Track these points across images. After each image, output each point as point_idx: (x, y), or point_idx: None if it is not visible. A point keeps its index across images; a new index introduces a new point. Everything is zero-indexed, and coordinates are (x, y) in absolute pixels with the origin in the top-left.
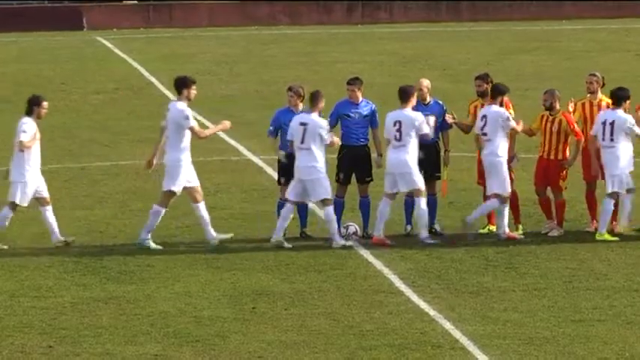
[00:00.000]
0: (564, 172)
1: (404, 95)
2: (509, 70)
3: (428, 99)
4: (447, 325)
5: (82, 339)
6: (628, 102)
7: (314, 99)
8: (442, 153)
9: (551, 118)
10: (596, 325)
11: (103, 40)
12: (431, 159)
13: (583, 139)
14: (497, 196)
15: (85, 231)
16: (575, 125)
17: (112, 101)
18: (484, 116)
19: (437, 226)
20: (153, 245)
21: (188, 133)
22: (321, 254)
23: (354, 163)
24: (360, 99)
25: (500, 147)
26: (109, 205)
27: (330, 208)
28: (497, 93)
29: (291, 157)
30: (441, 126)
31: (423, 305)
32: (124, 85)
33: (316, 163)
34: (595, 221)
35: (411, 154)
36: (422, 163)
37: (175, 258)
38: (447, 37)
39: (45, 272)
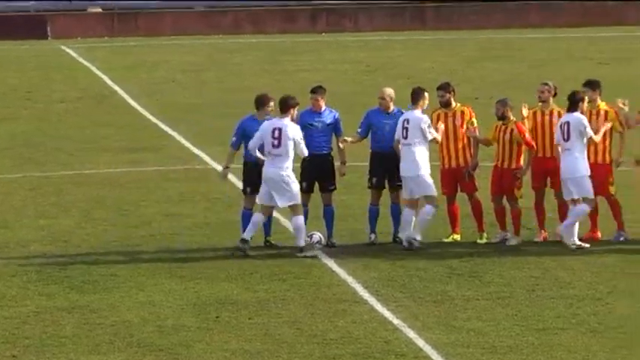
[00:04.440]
0: (519, 181)
1: (414, 96)
2: (474, 78)
3: (391, 108)
4: (411, 334)
5: (45, 348)
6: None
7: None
8: None
9: (504, 127)
10: (559, 334)
11: (68, 49)
12: (393, 168)
13: (535, 149)
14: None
15: (48, 240)
16: (527, 135)
17: (76, 110)
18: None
19: (401, 235)
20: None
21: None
22: (285, 263)
23: (318, 171)
24: (323, 107)
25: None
26: (72, 214)
27: (300, 217)
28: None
29: (254, 167)
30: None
31: (386, 314)
32: (89, 94)
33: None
34: (543, 231)
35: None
36: (384, 172)
37: (139, 267)
38: (411, 46)
39: (8, 282)
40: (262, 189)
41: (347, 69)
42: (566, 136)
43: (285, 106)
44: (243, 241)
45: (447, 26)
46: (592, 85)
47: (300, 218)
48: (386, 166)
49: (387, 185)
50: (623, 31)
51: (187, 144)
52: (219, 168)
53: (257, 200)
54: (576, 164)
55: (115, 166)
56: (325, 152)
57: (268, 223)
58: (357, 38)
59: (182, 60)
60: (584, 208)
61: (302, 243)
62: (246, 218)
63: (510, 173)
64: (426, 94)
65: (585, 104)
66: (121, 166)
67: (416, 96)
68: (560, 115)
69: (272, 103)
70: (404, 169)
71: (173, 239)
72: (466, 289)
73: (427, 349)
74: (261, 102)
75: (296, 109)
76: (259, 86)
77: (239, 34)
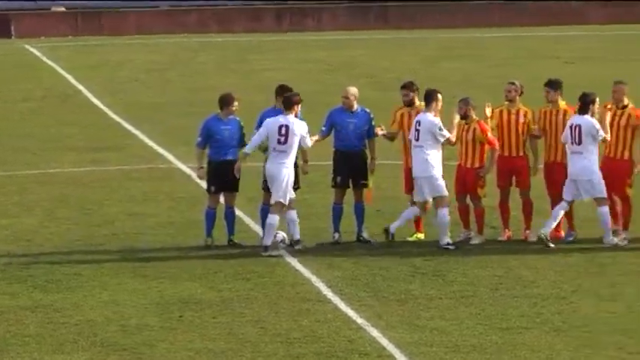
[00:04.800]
0: (482, 180)
1: (427, 98)
2: (437, 77)
3: (355, 107)
4: (375, 333)
5: (9, 347)
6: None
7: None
8: (368, 161)
9: (466, 126)
10: (523, 333)
11: (32, 48)
12: (357, 167)
13: (498, 148)
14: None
15: (11, 239)
16: (489, 134)
17: (40, 109)
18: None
19: (365, 234)
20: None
21: None
22: (248, 262)
23: None
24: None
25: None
26: (36, 213)
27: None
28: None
29: (219, 166)
30: (368, 134)
31: (350, 313)
32: (53, 93)
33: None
34: (507, 230)
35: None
36: (348, 171)
37: (102, 266)
38: (374, 45)
39: None
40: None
41: (310, 68)
42: (577, 140)
43: (289, 103)
44: (265, 247)
45: (410, 25)
46: (553, 85)
47: (293, 212)
48: (350, 165)
49: (350, 184)
50: (588, 30)
51: (151, 143)
52: (184, 167)
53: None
54: (589, 167)
55: (79, 165)
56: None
57: (232, 222)
58: (321, 37)
59: (146, 59)
60: (604, 209)
61: (297, 236)
62: (210, 217)
63: (473, 172)
64: (439, 95)
65: (597, 106)
66: (84, 165)
67: (429, 98)
68: (525, 114)
69: (236, 103)
70: (416, 170)
71: (137, 238)
72: (430, 288)
73: (390, 348)
74: (225, 101)
75: (300, 105)
76: (224, 85)
77: (204, 32)
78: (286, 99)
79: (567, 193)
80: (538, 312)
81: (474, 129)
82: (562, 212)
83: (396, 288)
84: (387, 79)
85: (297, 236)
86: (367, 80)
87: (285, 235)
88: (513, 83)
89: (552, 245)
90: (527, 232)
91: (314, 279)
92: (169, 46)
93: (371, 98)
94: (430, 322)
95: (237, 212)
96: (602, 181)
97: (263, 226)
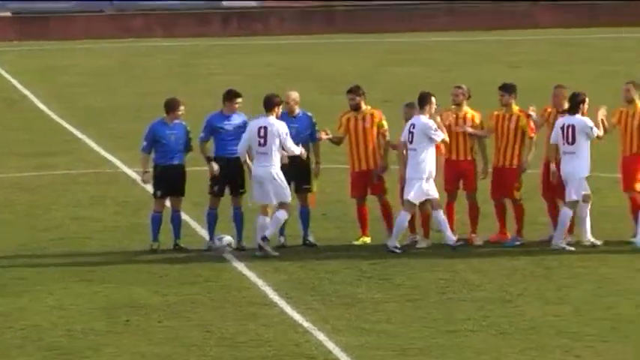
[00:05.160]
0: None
1: (421, 101)
2: (385, 82)
3: (297, 111)
4: (321, 337)
5: None
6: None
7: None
8: (312, 165)
9: None
10: (469, 336)
11: None
12: (301, 171)
13: (444, 152)
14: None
15: None
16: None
17: None
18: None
19: (310, 238)
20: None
21: None
22: (194, 266)
23: (229, 175)
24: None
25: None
26: None
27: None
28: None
29: (164, 170)
30: (311, 137)
31: (296, 317)
32: None
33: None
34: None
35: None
36: (291, 175)
37: (48, 271)
38: (322, 49)
39: None
40: (255, 189)
41: (258, 72)
42: (571, 140)
43: (269, 104)
44: (260, 247)
45: (357, 29)
46: (507, 88)
47: (283, 213)
48: (293, 170)
49: (294, 188)
50: (534, 34)
51: (97, 148)
52: (130, 172)
53: (250, 200)
54: (582, 166)
55: (25, 170)
56: (237, 155)
57: (178, 226)
58: (268, 42)
59: (93, 64)
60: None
61: (268, 233)
62: (156, 221)
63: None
64: (433, 98)
65: (586, 105)
66: (31, 170)
67: (423, 100)
68: (473, 118)
69: (182, 107)
70: (410, 172)
71: (83, 243)
72: (376, 292)
73: (337, 351)
74: (171, 106)
75: (280, 107)
76: (171, 90)
77: (150, 37)
78: (266, 100)
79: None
80: (484, 315)
81: None
82: (570, 215)
83: (342, 292)
84: (335, 82)
85: (268, 234)
86: (316, 84)
87: (231, 239)
88: (460, 87)
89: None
90: (473, 235)
91: (260, 283)
92: (116, 51)
93: (318, 102)
94: (377, 325)
95: (184, 216)
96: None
97: (209, 230)
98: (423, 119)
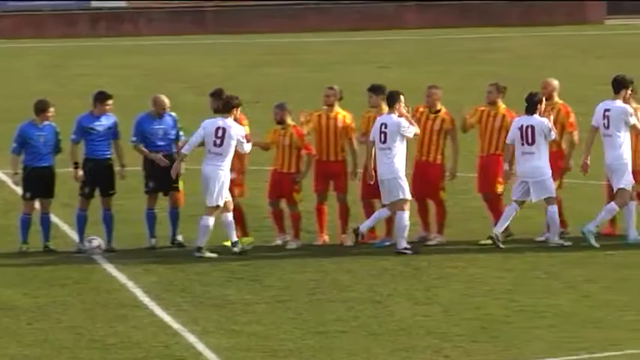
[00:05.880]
0: (298, 185)
1: (390, 100)
2: (255, 82)
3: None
4: (191, 338)
5: None
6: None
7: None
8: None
9: (282, 131)
10: (340, 337)
11: None
12: (168, 171)
13: (314, 153)
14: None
15: None
16: (306, 139)
17: None
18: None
19: (179, 238)
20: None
21: None
22: (64, 268)
23: (99, 176)
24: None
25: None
26: None
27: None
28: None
29: (34, 172)
30: (176, 137)
31: (166, 318)
32: None
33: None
34: (323, 234)
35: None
36: (161, 175)
37: None
38: (192, 50)
39: None
40: (202, 187)
41: (128, 73)
42: (530, 140)
43: (227, 106)
44: (199, 248)
45: (228, 30)
46: (376, 90)
47: (229, 215)
48: (161, 169)
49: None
50: (403, 34)
51: None
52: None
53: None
54: (542, 167)
55: None
56: (107, 156)
57: (47, 228)
58: (137, 43)
59: None
60: (554, 208)
61: (234, 238)
62: (25, 223)
63: (289, 177)
64: (402, 96)
65: (543, 105)
66: None
67: (392, 99)
68: (344, 119)
69: (52, 109)
70: (381, 173)
71: None
72: (246, 293)
73: (207, 353)
74: (40, 108)
75: (239, 109)
76: (41, 91)
77: (19, 38)
78: (225, 102)
79: (516, 193)
80: (354, 316)
81: (291, 134)
82: (514, 212)
83: (212, 293)
84: (204, 83)
85: (234, 239)
86: (186, 85)
87: (101, 242)
88: (332, 88)
89: (503, 246)
90: (344, 236)
91: (130, 284)
92: None
93: (190, 103)
94: (247, 326)
95: (53, 218)
96: (552, 181)
97: (79, 231)
98: (394, 118)
